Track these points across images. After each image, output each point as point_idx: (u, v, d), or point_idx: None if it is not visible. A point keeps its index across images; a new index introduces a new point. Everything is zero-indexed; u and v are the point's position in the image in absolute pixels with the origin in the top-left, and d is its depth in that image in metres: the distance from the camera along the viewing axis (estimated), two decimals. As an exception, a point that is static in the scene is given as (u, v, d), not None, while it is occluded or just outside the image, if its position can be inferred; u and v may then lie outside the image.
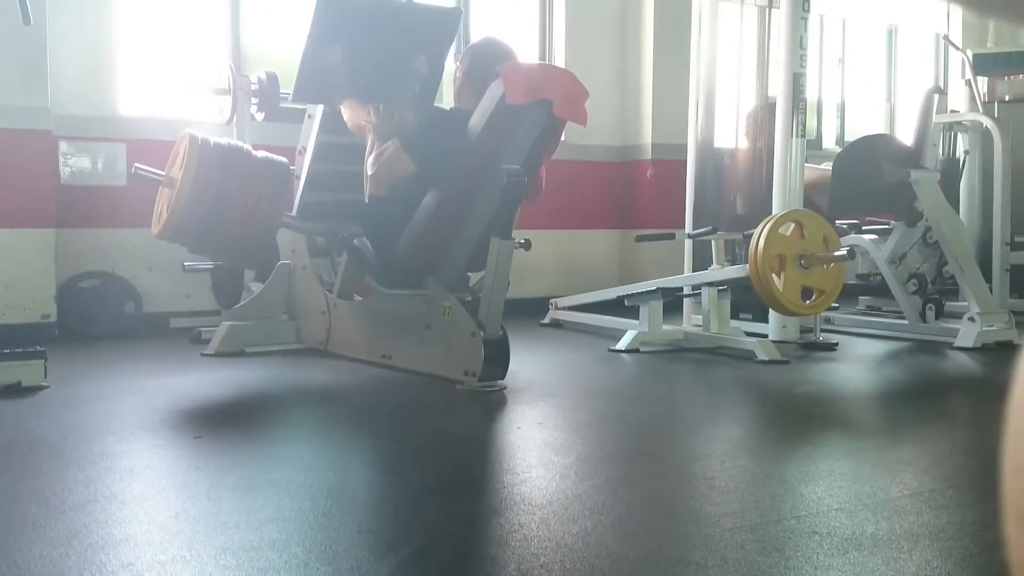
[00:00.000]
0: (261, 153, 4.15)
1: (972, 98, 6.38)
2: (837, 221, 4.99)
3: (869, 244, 5.23)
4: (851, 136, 7.35)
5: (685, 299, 5.08)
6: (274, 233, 4.24)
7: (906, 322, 5.10)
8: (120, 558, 1.66)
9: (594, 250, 6.70)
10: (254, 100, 4.83)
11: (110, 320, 4.90)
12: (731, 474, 2.33)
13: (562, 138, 3.86)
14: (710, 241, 4.74)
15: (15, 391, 3.22)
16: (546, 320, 5.51)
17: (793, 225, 4.07)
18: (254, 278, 4.72)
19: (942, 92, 6.57)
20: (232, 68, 4.92)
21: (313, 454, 2.63)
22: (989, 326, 4.66)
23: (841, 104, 8.26)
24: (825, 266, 4.03)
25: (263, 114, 4.84)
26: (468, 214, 3.55)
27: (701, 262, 5.06)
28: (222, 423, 3.07)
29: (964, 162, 6.25)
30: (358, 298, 4.26)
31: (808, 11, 4.71)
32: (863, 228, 5.46)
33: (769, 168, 4.86)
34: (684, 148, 5.37)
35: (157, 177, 3.99)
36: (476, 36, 5.28)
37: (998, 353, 4.49)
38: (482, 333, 3.42)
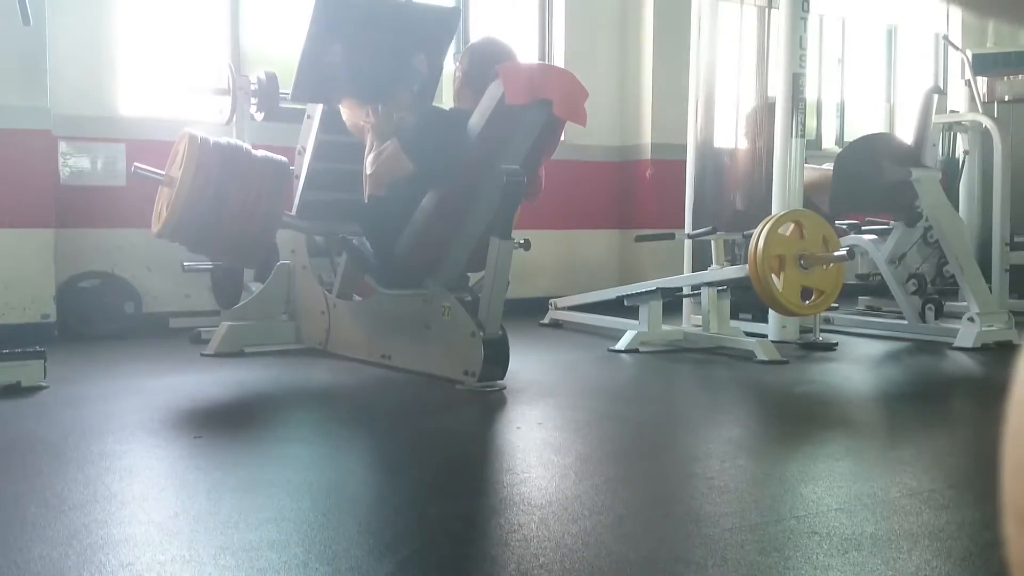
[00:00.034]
0: (261, 152, 4.15)
1: (972, 98, 6.38)
2: (836, 221, 4.99)
3: (869, 244, 5.23)
4: (850, 136, 7.36)
5: (685, 299, 5.08)
6: (274, 232, 4.24)
7: (906, 322, 5.10)
8: (120, 558, 1.66)
9: (594, 250, 6.70)
10: (254, 100, 4.83)
11: (110, 320, 4.90)
12: (731, 474, 2.33)
13: (562, 138, 3.86)
14: (710, 241, 4.74)
15: (15, 391, 3.22)
16: (546, 320, 5.51)
17: (793, 225, 4.07)
18: (253, 278, 4.72)
19: (942, 92, 6.56)
20: (232, 68, 4.92)
21: (313, 454, 2.63)
22: (989, 326, 4.66)
23: (841, 104, 8.26)
24: (825, 266, 4.03)
25: (263, 114, 4.84)
26: (468, 214, 3.55)
27: (701, 262, 5.06)
28: (222, 423, 3.07)
29: (964, 162, 6.26)
30: (357, 298, 4.26)
31: (808, 11, 4.71)
32: (863, 228, 5.47)
33: (769, 168, 4.86)
34: (684, 148, 5.37)
35: (157, 176, 3.99)
36: (476, 36, 5.28)
37: (998, 353, 4.49)
38: (482, 333, 3.42)
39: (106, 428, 2.79)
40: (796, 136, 4.73)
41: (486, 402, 3.28)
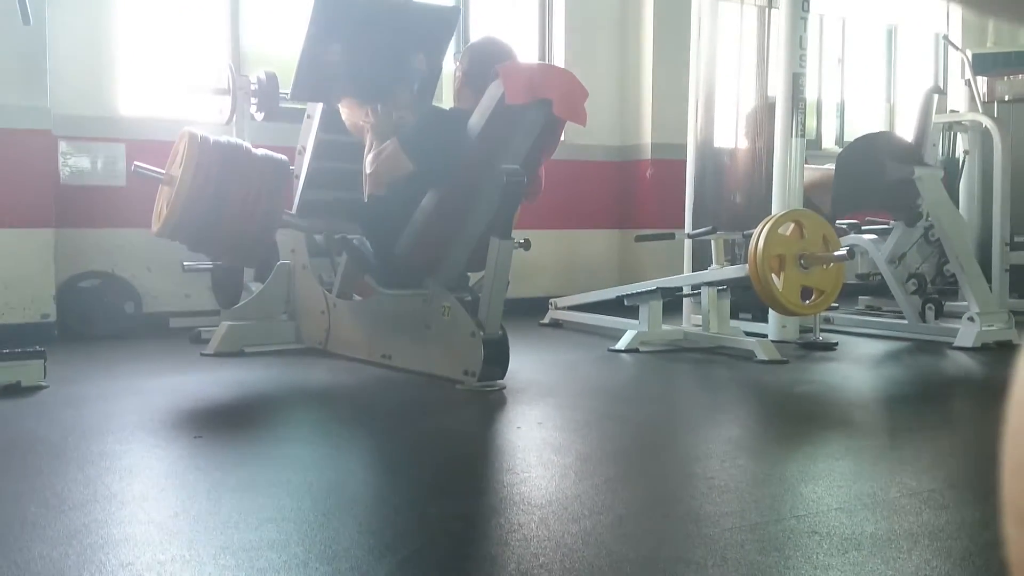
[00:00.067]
0: (261, 150, 4.15)
1: (972, 98, 6.38)
2: (837, 221, 4.99)
3: (869, 244, 5.23)
4: (850, 136, 7.35)
5: (685, 299, 5.08)
6: (274, 230, 4.24)
7: (906, 322, 5.10)
8: (119, 558, 1.66)
9: (594, 250, 6.70)
10: (253, 100, 4.83)
11: (110, 320, 4.90)
12: (731, 474, 2.33)
13: (561, 138, 3.86)
14: (710, 241, 4.74)
15: (15, 391, 3.22)
16: (546, 320, 5.51)
17: (793, 225, 4.07)
18: (253, 278, 4.73)
19: (942, 92, 6.57)
20: (232, 68, 4.92)
21: (313, 454, 2.63)
22: (989, 326, 4.66)
23: (841, 104, 8.26)
24: (825, 266, 4.03)
25: (263, 114, 4.84)
26: (468, 214, 3.55)
27: (701, 262, 5.06)
28: (222, 423, 3.07)
29: (964, 162, 6.26)
30: (357, 298, 4.26)
31: (808, 11, 4.71)
32: (862, 228, 5.47)
33: (768, 168, 4.86)
34: (684, 148, 5.37)
35: (157, 175, 3.99)
36: (476, 36, 5.29)
37: (997, 353, 4.49)
38: (482, 333, 3.42)
39: (106, 428, 2.79)
40: (796, 136, 4.73)
41: (486, 402, 3.28)
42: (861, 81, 8.39)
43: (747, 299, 4.66)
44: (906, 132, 5.67)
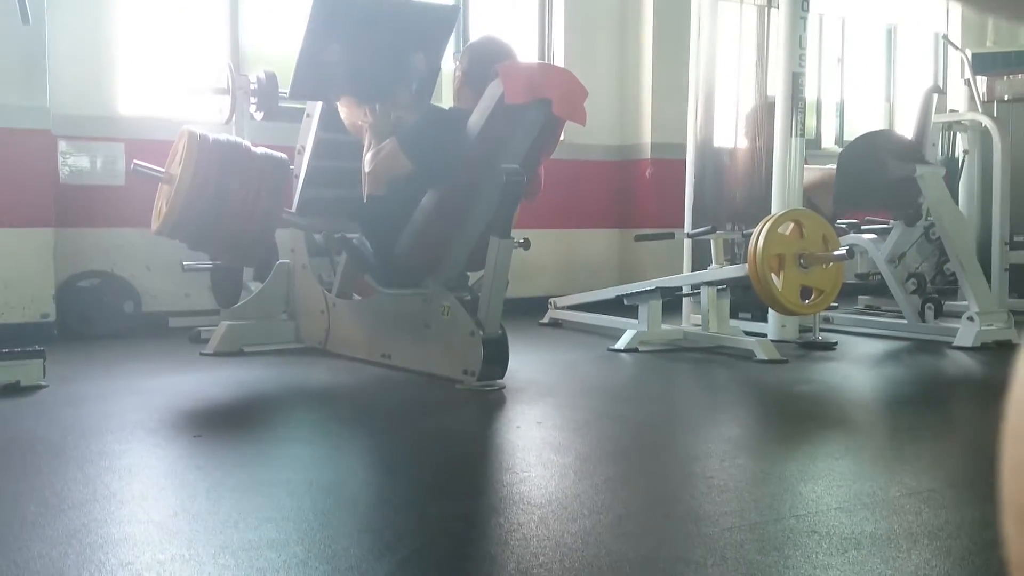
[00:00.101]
0: (260, 149, 4.15)
1: (971, 97, 6.38)
2: (837, 221, 4.99)
3: (868, 243, 5.23)
4: (850, 136, 7.35)
5: (684, 298, 5.08)
6: (273, 229, 4.24)
7: (905, 321, 5.10)
8: (119, 557, 1.66)
9: (593, 249, 6.70)
10: (253, 99, 4.82)
11: (109, 319, 4.90)
12: (730, 473, 2.33)
13: (561, 137, 3.86)
14: (709, 240, 4.74)
15: (14, 390, 3.22)
16: (545, 319, 5.51)
17: (792, 224, 4.07)
18: (253, 277, 4.72)
19: (941, 91, 6.57)
20: (231, 67, 4.91)
21: (312, 453, 2.63)
22: (988, 325, 4.66)
23: (840, 104, 8.26)
24: (824, 265, 4.03)
25: (262, 113, 4.83)
26: (467, 213, 3.55)
27: (700, 261, 5.06)
28: (222, 422, 3.07)
29: (963, 161, 6.25)
30: (357, 297, 4.26)
31: (807, 11, 4.71)
32: (862, 227, 5.47)
33: (768, 168, 4.86)
34: (683, 148, 5.37)
35: (156, 174, 3.99)
36: (475, 35, 5.28)
37: (997, 352, 4.49)
38: (481, 332, 3.42)
39: (105, 427, 2.79)
40: (796, 135, 4.73)
41: (486, 401, 3.28)
42: (861, 81, 8.39)
43: (747, 299, 4.66)
44: (906, 132, 5.66)
